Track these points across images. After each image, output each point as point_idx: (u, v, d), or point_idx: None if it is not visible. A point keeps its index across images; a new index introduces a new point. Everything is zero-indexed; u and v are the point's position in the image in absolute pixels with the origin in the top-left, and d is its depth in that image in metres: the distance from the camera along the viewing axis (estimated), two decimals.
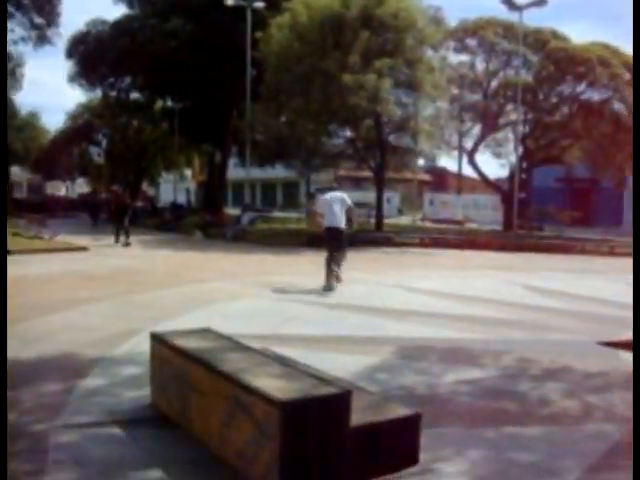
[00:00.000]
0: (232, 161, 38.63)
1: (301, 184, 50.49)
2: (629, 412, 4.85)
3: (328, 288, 10.84)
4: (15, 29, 29.47)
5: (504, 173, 32.91)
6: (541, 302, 10.00)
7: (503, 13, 29.96)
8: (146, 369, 4.90)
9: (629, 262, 17.34)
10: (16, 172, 56.46)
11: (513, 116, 28.95)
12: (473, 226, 34.26)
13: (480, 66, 30.29)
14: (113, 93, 37.59)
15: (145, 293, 9.91)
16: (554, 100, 29.30)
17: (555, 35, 29.71)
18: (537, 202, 32.80)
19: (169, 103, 37.49)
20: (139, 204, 34.26)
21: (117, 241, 18.84)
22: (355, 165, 29.20)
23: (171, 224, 28.26)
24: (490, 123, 29.54)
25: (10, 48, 28.97)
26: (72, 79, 35.86)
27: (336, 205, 11.33)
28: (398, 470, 3.62)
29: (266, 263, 15.61)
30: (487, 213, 38.10)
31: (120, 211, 19.47)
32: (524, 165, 31.18)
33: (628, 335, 7.49)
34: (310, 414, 3.34)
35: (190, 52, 28.83)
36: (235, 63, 27.47)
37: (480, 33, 28.94)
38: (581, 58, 26.63)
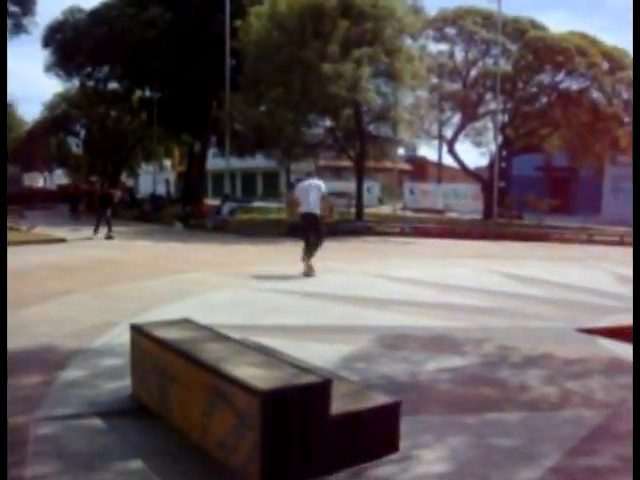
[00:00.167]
0: (212, 151, 38.45)
1: (281, 174, 50.34)
2: (608, 398, 4.91)
3: (307, 274, 11.22)
4: None
5: (484, 162, 33.16)
6: (521, 290, 10.08)
7: (482, 2, 29.99)
8: (126, 360, 4.88)
9: (607, 250, 17.58)
10: None
11: (492, 105, 29.10)
12: (453, 215, 34.45)
13: (459, 55, 30.41)
14: (91, 83, 37.26)
15: (124, 284, 9.85)
16: (533, 89, 29.46)
17: (534, 24, 29.86)
18: (517, 191, 33.00)
19: (148, 93, 37.19)
20: (119, 194, 33.84)
21: (96, 232, 18.16)
22: (335, 155, 29.20)
23: (150, 215, 28.09)
24: (470, 112, 29.65)
25: None
26: (49, 69, 35.48)
27: (312, 192, 11.71)
28: (378, 457, 3.63)
29: (247, 253, 15.58)
30: (467, 202, 38.30)
31: (103, 201, 18.85)
32: (504, 154, 31.36)
33: (606, 322, 7.59)
34: (291, 403, 3.34)
35: (169, 41, 28.61)
36: (214, 53, 27.29)
37: (459, 22, 29.01)
38: (559, 47, 26.77)
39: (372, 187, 43.35)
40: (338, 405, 3.53)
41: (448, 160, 39.94)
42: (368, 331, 6.94)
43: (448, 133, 31.50)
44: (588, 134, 27.10)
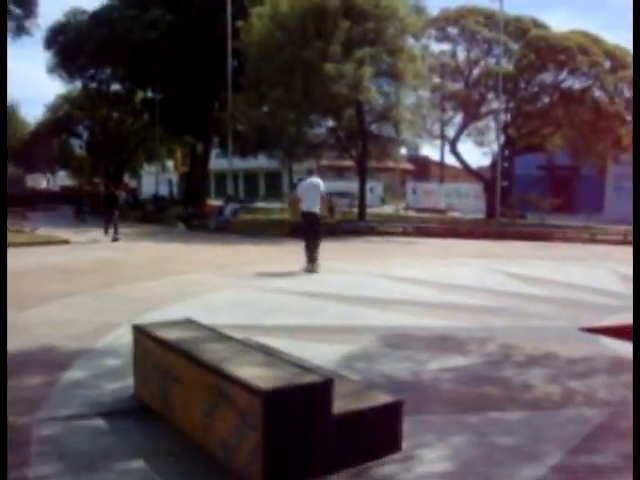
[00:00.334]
0: (214, 152, 38.49)
1: (284, 174, 50.35)
2: (610, 397, 4.90)
3: (309, 270, 11.61)
4: None
5: (486, 162, 33.10)
6: (523, 289, 10.07)
7: (484, 1, 30.05)
8: (128, 361, 4.88)
9: (610, 249, 17.55)
10: None
11: (495, 105, 29.06)
12: (456, 215, 34.42)
13: (461, 55, 30.38)
14: (93, 84, 37.29)
15: (127, 286, 9.86)
16: (535, 89, 29.41)
17: (536, 23, 29.83)
18: (519, 190, 32.96)
19: (150, 94, 37.22)
20: (124, 195, 33.72)
21: (106, 233, 17.87)
22: (337, 155, 29.21)
23: (153, 216, 28.12)
24: (472, 112, 29.62)
25: None
26: (51, 70, 35.51)
27: (311, 191, 12.06)
28: (381, 457, 3.63)
29: (249, 254, 15.58)
30: (469, 202, 38.26)
31: (109, 203, 18.65)
32: (506, 153, 31.33)
33: (608, 321, 7.58)
34: (293, 403, 3.34)
35: (170, 43, 28.62)
36: (216, 53, 27.32)
37: (461, 22, 28.99)
38: (561, 46, 26.74)
39: (374, 187, 43.34)
40: (340, 404, 3.53)
41: (450, 160, 39.99)
42: (370, 331, 6.94)
43: (450, 133, 31.50)
44: (590, 133, 27.06)
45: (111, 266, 12.52)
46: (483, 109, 30.17)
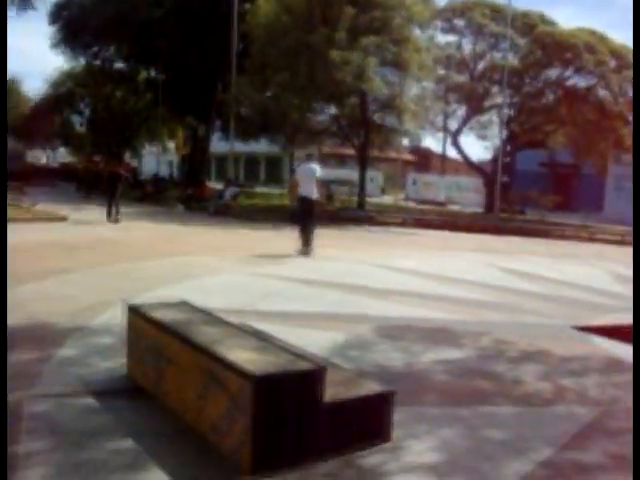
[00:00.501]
0: (216, 135, 38.34)
1: (285, 160, 50.25)
2: (601, 396, 4.92)
3: (303, 253, 11.96)
4: None
5: (488, 156, 33.02)
6: (520, 285, 10.09)
7: None
8: (123, 340, 4.89)
9: (608, 248, 17.57)
10: None
11: (498, 99, 28.95)
12: (455, 208, 34.39)
13: (467, 47, 30.19)
14: (97, 62, 37.04)
15: (124, 265, 9.86)
16: (540, 85, 29.31)
17: (543, 19, 29.68)
18: (520, 186, 32.94)
19: (153, 74, 37.04)
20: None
21: (110, 214, 17.18)
22: (339, 142, 29.13)
23: (153, 196, 28.05)
24: (475, 105, 29.53)
25: None
26: (55, 46, 35.27)
27: (308, 176, 12.37)
28: (370, 446, 3.65)
29: (247, 238, 15.57)
30: (470, 195, 38.21)
31: (112, 181, 17.96)
32: (508, 148, 31.26)
33: (603, 320, 7.60)
34: (284, 389, 3.35)
35: (175, 22, 28.43)
36: (221, 35, 27.14)
37: (468, 14, 28.80)
38: (568, 44, 26.62)
39: (375, 176, 43.24)
40: (332, 392, 3.54)
41: (452, 153, 39.93)
42: (366, 320, 6.95)
43: (453, 125, 31.39)
44: (593, 132, 26.99)
45: (109, 244, 12.51)
46: (487, 103, 30.07)
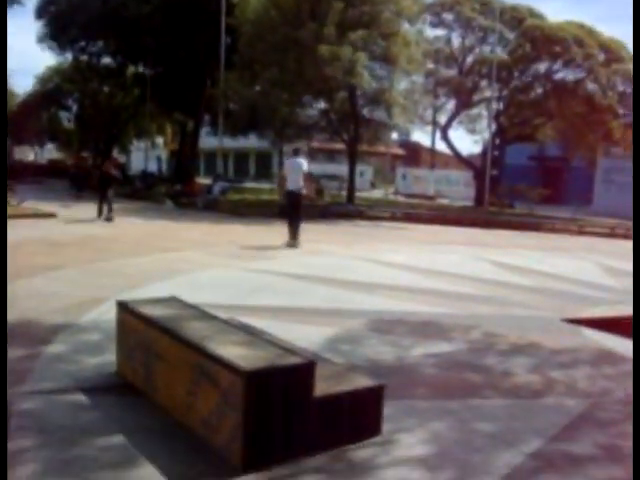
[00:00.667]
0: (205, 130, 38.20)
1: (274, 155, 50.12)
2: (591, 388, 4.94)
3: (290, 245, 12.32)
4: None
5: (477, 149, 33.13)
6: (509, 278, 10.12)
7: None
8: (112, 337, 4.86)
9: (597, 241, 17.65)
10: None
11: (487, 93, 29.03)
12: (445, 202, 34.47)
13: (456, 41, 30.30)
14: (84, 57, 36.80)
15: (112, 261, 9.82)
16: (529, 78, 29.39)
17: (532, 13, 29.74)
18: (509, 179, 33.07)
19: (141, 69, 36.83)
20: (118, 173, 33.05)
21: (100, 212, 16.93)
22: (328, 137, 29.08)
23: (141, 192, 27.94)
24: (464, 99, 29.59)
25: None
26: (41, 40, 34.99)
27: (295, 170, 12.74)
28: (361, 440, 3.65)
29: (236, 233, 15.54)
30: (459, 189, 38.35)
31: (104, 181, 17.65)
32: (497, 142, 31.35)
33: (592, 313, 7.64)
34: (274, 384, 3.35)
35: (163, 18, 28.28)
36: (209, 30, 27.03)
37: (457, 8, 28.85)
38: (556, 37, 26.68)
39: (364, 171, 43.29)
40: (322, 387, 3.54)
41: (441, 146, 39.99)
42: (355, 314, 6.96)
43: (442, 119, 31.46)
44: (582, 125, 27.08)
45: (98, 241, 12.45)
46: (476, 97, 30.14)
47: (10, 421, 3.75)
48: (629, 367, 5.23)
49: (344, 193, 27.14)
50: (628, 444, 3.62)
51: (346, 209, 22.85)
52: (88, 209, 18.15)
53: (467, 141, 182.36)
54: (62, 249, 11.04)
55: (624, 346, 5.96)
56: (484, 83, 29.43)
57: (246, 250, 11.84)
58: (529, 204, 27.71)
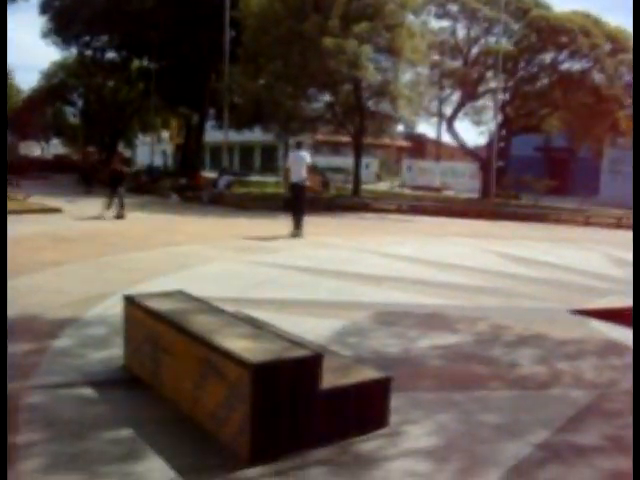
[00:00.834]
0: (210, 124, 38.22)
1: (279, 148, 50.12)
2: (597, 379, 4.94)
3: (294, 235, 12.69)
4: None
5: (483, 141, 33.01)
6: (515, 270, 10.10)
7: None
8: (119, 331, 4.88)
9: (604, 232, 17.59)
10: None
11: (493, 84, 28.90)
12: (451, 193, 34.40)
13: (461, 32, 30.11)
14: (88, 52, 36.84)
15: (118, 256, 9.84)
16: (534, 69, 29.24)
17: (537, 3, 29.56)
18: (515, 171, 32.92)
19: (146, 63, 36.84)
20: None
21: (108, 208, 16.31)
22: (334, 130, 29.05)
23: (147, 186, 27.96)
24: (470, 90, 29.46)
25: None
26: (46, 35, 35.03)
27: (298, 163, 13.07)
28: (368, 432, 3.66)
29: (242, 227, 15.55)
30: (465, 181, 38.23)
31: (114, 179, 17.23)
32: (503, 133, 31.24)
33: (599, 304, 7.61)
34: (281, 376, 3.36)
35: (167, 11, 28.26)
36: (213, 24, 26.99)
37: None
38: (562, 27, 26.53)
39: (370, 163, 43.23)
40: (329, 379, 3.54)
41: (447, 138, 39.89)
42: (362, 307, 6.96)
43: (447, 111, 31.35)
44: (588, 116, 26.94)
45: (104, 236, 12.48)
46: (481, 88, 30.00)
47: (18, 415, 3.77)
48: None
49: (350, 186, 27.12)
50: None
51: (352, 202, 22.84)
52: (95, 204, 18.16)
53: (472, 133, 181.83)
54: (68, 244, 11.07)
55: (631, 337, 5.94)
56: (489, 74, 29.30)
57: (252, 243, 11.85)
58: (535, 195, 27.61)
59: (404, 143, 54.12)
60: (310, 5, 20.96)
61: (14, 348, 4.91)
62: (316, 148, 43.08)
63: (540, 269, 10.30)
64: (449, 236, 15.16)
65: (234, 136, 33.46)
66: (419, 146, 56.18)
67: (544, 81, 29.38)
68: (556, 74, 28.57)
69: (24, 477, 3.10)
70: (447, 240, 14.23)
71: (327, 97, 24.59)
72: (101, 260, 9.40)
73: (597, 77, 27.64)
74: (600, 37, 26.62)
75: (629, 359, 5.33)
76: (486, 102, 30.58)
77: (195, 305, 4.47)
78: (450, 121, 31.18)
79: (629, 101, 26.26)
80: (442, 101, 30.93)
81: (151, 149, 43.11)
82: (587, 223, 19.93)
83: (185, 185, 26.26)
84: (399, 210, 21.56)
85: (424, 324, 6.41)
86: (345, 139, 31.55)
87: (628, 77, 26.72)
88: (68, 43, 35.84)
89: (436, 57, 28.73)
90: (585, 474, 3.39)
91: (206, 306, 4.48)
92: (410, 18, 23.35)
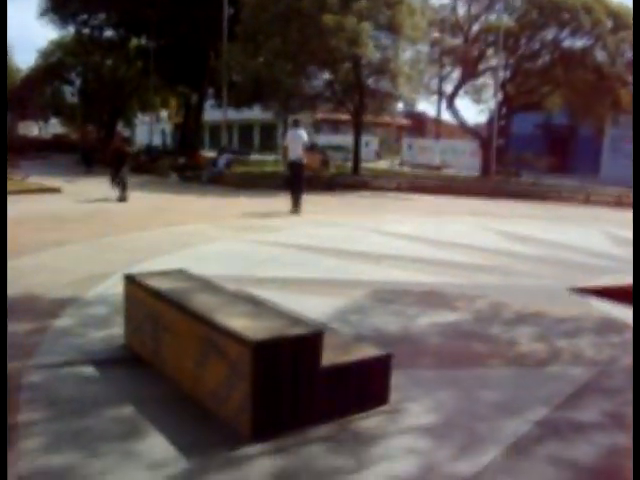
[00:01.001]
0: (209, 103, 38.00)
1: (278, 126, 49.88)
2: (597, 356, 4.96)
3: (293, 212, 13.02)
4: None
5: (483, 119, 32.85)
6: (516, 248, 10.10)
7: None
8: (120, 310, 4.90)
9: (604, 210, 17.56)
10: None
11: (493, 62, 28.68)
12: (451, 172, 34.30)
13: (462, 9, 29.79)
14: (86, 30, 36.48)
15: (119, 236, 9.84)
16: (536, 46, 29.00)
17: None
18: (515, 148, 32.81)
19: (144, 42, 36.52)
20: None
21: (113, 187, 15.80)
22: (333, 108, 28.88)
23: (146, 166, 27.84)
24: (470, 68, 29.25)
25: None
26: (43, 14, 34.69)
27: (296, 141, 13.40)
28: (368, 409, 3.68)
29: (242, 205, 15.52)
30: (465, 159, 38.06)
31: (117, 160, 16.64)
32: (503, 111, 31.08)
33: (599, 282, 7.62)
34: (282, 354, 3.37)
35: None
36: (211, 1, 26.72)
37: None
38: (564, 4, 26.27)
39: (370, 141, 43.05)
40: (329, 357, 3.56)
41: (447, 116, 39.69)
42: (361, 285, 6.97)
43: (448, 89, 31.15)
44: (590, 93, 26.78)
45: (104, 216, 12.47)
46: (481, 66, 29.78)
47: (19, 394, 3.79)
48: None
49: (350, 164, 27.03)
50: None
51: (352, 180, 22.79)
52: (95, 184, 18.16)
53: (473, 111, 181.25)
54: (68, 224, 11.06)
55: (630, 315, 5.95)
56: (490, 52, 29.06)
57: (252, 222, 11.84)
58: (536, 173, 27.52)
59: (404, 121, 53.87)
60: None
61: (16, 327, 4.92)
62: (316, 126, 42.90)
63: (539, 247, 10.31)
64: (448, 214, 15.14)
65: (233, 115, 33.28)
66: (419, 124, 55.93)
67: (545, 58, 29.15)
68: (558, 51, 28.35)
69: (25, 456, 3.13)
70: (446, 218, 14.22)
71: (327, 75, 24.40)
72: (102, 240, 9.40)
73: (599, 54, 27.43)
74: (602, 13, 26.36)
75: (628, 336, 5.34)
76: (486, 80, 30.40)
77: (196, 284, 4.48)
78: (450, 99, 30.98)
79: (631, 79, 26.09)
80: (442, 79, 30.73)
81: (150, 128, 42.88)
82: (587, 201, 19.88)
83: (184, 164, 26.17)
84: (399, 188, 21.51)
85: (423, 302, 6.43)
86: (345, 117, 31.36)
87: (630, 54, 26.52)
88: (65, 22, 35.48)
89: (436, 34, 28.48)
90: (584, 450, 3.42)
91: (207, 285, 4.49)
92: None
